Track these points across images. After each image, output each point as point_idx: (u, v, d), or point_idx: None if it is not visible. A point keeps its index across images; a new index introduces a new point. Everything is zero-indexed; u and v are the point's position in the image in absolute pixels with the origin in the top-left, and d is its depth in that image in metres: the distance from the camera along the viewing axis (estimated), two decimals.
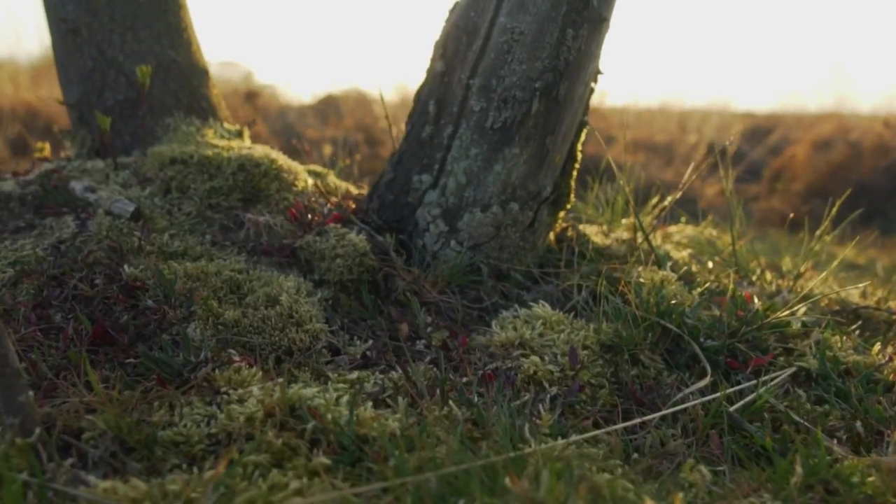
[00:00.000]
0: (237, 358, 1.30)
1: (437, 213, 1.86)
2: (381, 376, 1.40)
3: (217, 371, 1.24)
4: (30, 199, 1.83)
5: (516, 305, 1.70)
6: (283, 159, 2.00)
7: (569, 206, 1.98)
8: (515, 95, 1.73)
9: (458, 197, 1.83)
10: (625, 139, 4.25)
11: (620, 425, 1.27)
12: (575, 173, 1.98)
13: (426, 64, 1.94)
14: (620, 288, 1.71)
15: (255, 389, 1.19)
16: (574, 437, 1.20)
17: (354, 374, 1.39)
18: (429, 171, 1.88)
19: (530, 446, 1.16)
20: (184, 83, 2.13)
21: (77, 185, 1.82)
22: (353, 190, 2.27)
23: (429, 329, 1.61)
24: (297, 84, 16.99)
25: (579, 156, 1.97)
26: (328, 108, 9.40)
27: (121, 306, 1.45)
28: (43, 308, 1.46)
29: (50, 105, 5.27)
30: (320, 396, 1.20)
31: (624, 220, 2.58)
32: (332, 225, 1.76)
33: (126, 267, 1.49)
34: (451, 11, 1.90)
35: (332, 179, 2.25)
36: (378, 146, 7.70)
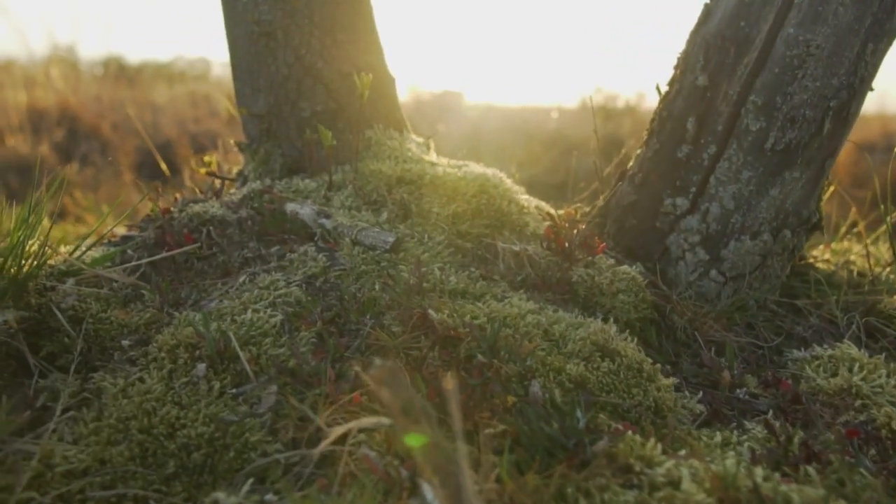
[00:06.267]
0: (619, 426, 1.12)
1: (695, 241, 1.70)
2: (744, 436, 1.23)
3: (620, 444, 1.05)
4: (249, 224, 1.60)
5: (815, 345, 1.55)
6: (504, 177, 1.81)
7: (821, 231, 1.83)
8: (805, 114, 1.58)
9: (723, 223, 1.67)
10: None
11: None
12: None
13: (674, 76, 1.77)
14: None
15: (683, 470, 1.01)
16: None
17: (718, 436, 1.22)
18: (684, 195, 1.71)
19: None
20: (381, 92, 1.91)
21: (303, 210, 1.60)
22: (549, 208, 2.09)
23: (736, 373, 1.45)
24: None
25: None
26: None
27: (438, 360, 1.24)
28: (340, 362, 1.25)
29: (87, 107, 4.92)
30: (750, 474, 1.03)
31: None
32: (599, 255, 1.58)
33: (432, 312, 1.29)
34: (703, 23, 1.74)
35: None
36: None
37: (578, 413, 1.11)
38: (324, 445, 0.99)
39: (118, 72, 8.19)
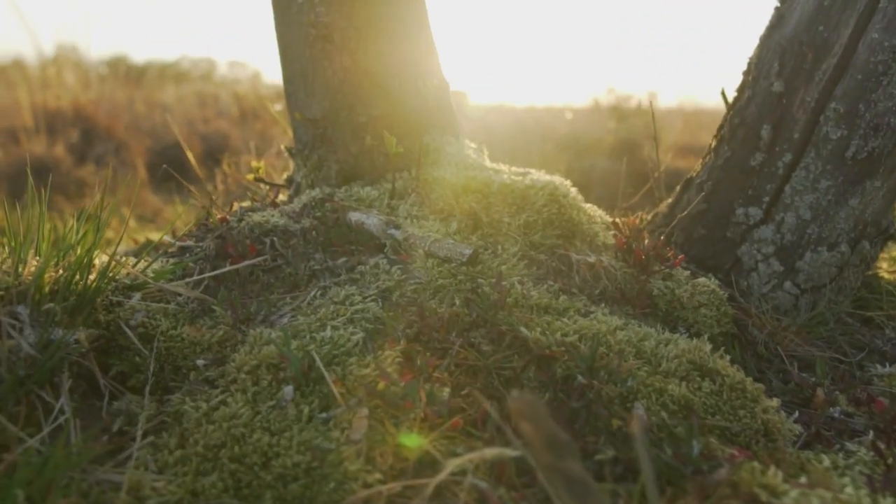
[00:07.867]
0: (734, 452, 1.07)
1: (769, 252, 1.65)
2: (850, 459, 1.18)
3: (741, 472, 1.00)
4: (314, 234, 1.54)
5: None
6: (570, 185, 1.75)
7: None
8: (889, 122, 1.53)
9: (799, 234, 1.62)
10: None
11: None
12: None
13: (745, 81, 1.72)
14: None
15: (814, 500, 0.96)
16: None
17: (825, 460, 1.17)
18: (757, 204, 1.66)
19: None
20: (438, 95, 1.86)
21: (369, 220, 1.54)
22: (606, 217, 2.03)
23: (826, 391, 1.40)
24: None
25: None
26: None
27: (534, 381, 1.19)
28: (429, 382, 1.19)
29: (100, 108, 4.83)
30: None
31: None
32: (678, 267, 1.53)
33: (524, 330, 1.23)
34: (775, 27, 1.69)
35: None
36: None
37: (694, 440, 1.06)
38: (442, 476, 0.94)
39: (125, 71, 8.11)
